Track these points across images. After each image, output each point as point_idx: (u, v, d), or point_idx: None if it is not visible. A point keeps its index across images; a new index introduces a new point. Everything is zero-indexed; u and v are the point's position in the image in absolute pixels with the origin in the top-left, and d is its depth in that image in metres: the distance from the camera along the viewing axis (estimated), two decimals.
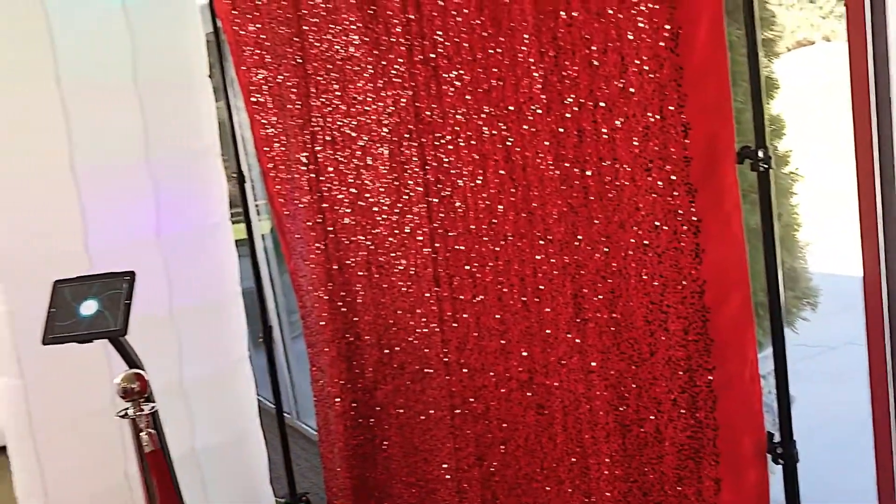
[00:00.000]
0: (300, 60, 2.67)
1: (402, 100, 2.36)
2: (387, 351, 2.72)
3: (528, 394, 2.24)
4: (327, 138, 2.68)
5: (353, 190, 2.66)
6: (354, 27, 2.44)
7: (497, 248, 2.21)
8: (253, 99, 2.92)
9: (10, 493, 2.93)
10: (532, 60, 1.94)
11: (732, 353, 1.75)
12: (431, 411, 2.59)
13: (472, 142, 2.18)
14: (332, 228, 2.77)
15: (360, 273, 2.72)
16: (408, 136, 2.37)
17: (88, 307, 2.16)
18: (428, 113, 2.29)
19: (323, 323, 2.89)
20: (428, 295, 2.46)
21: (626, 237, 1.85)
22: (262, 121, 2.92)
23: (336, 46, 2.53)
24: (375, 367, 2.78)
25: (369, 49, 2.41)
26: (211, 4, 2.99)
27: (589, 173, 1.89)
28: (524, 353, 2.22)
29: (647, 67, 1.70)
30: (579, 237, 1.96)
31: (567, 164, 1.93)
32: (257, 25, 2.78)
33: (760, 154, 1.63)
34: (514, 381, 2.27)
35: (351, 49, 2.48)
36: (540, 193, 2.03)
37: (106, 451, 2.87)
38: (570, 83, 1.87)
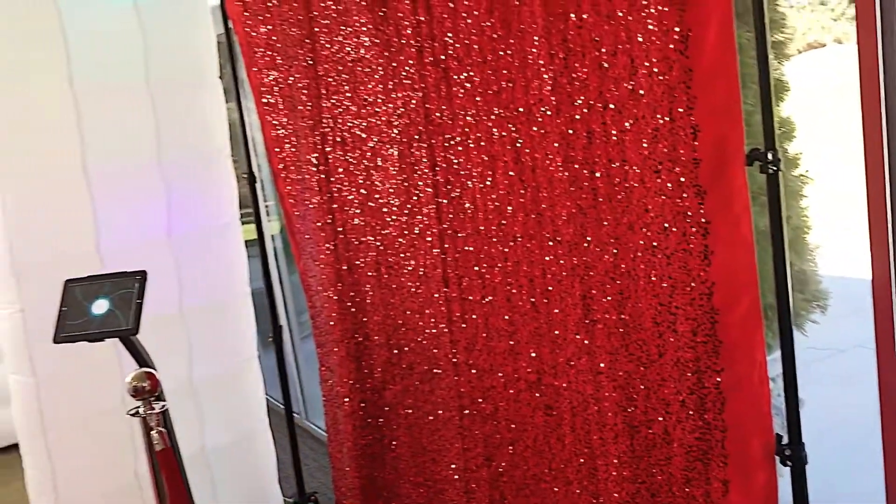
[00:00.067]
0: (311, 62, 2.68)
1: (412, 101, 2.37)
2: (396, 351, 2.72)
3: (537, 394, 2.25)
4: (338, 139, 2.69)
5: (362, 191, 2.67)
6: (365, 29, 2.45)
7: (506, 250, 2.22)
8: (264, 100, 2.93)
9: (22, 491, 2.95)
10: (542, 62, 1.95)
11: (741, 354, 1.75)
12: (440, 412, 2.59)
13: (482, 143, 2.19)
14: (341, 229, 2.78)
15: (370, 273, 2.73)
16: (418, 137, 2.38)
17: (100, 306, 2.18)
18: (438, 114, 2.30)
19: (332, 323, 2.90)
20: (437, 295, 2.47)
21: (635, 239, 1.86)
22: (273, 122, 2.93)
23: (347, 48, 2.54)
24: (384, 367, 2.79)
25: (380, 51, 2.42)
26: (222, 6, 3.00)
27: (598, 175, 1.89)
28: (533, 354, 2.22)
29: (656, 70, 1.70)
30: (588, 238, 1.97)
31: (576, 166, 1.94)
32: (269, 27, 2.79)
33: (770, 156, 1.63)
34: (523, 381, 2.28)
35: (361, 51, 2.49)
36: (549, 195, 2.04)
37: (116, 450, 2.89)
38: (579, 85, 1.88)
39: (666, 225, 1.78)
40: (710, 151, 1.68)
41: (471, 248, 2.33)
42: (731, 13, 1.61)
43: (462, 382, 2.47)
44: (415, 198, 2.47)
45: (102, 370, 2.78)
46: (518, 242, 2.17)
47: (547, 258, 2.10)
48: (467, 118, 2.21)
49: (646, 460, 1.98)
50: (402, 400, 2.76)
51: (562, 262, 2.06)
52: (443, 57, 2.22)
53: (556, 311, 2.12)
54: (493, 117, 2.14)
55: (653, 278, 1.83)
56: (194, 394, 3.11)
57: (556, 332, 2.14)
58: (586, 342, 2.04)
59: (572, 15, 1.84)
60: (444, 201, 2.37)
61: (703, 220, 1.72)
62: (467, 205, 2.30)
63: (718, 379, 1.78)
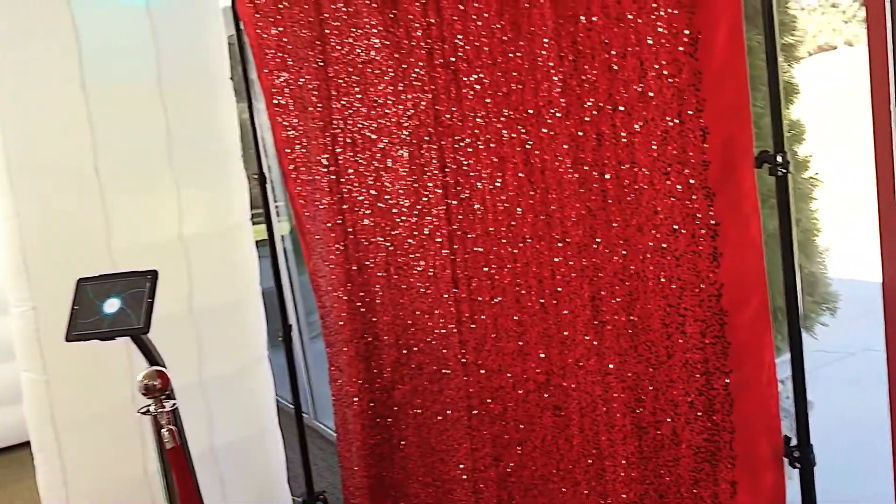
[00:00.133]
0: (322, 63, 2.69)
1: (422, 103, 2.38)
2: (405, 351, 2.73)
3: (545, 395, 2.25)
4: (348, 140, 2.70)
5: (372, 192, 2.68)
6: (375, 31, 2.46)
7: (515, 251, 2.22)
8: (275, 101, 2.94)
9: (33, 488, 2.97)
10: (552, 64, 1.95)
11: (749, 356, 1.76)
12: (449, 412, 2.60)
13: (492, 145, 2.20)
14: (351, 230, 2.79)
15: (379, 274, 2.74)
16: (427, 138, 2.39)
17: (111, 305, 2.19)
18: (448, 116, 2.31)
19: (342, 323, 2.91)
20: (446, 296, 2.48)
21: (644, 240, 1.86)
22: (284, 123, 2.94)
23: (357, 50, 2.55)
24: (393, 367, 2.80)
25: (390, 52, 2.43)
26: (233, 7, 3.02)
27: (607, 177, 1.90)
28: (542, 355, 2.23)
29: (666, 72, 1.71)
30: (597, 240, 1.97)
31: (586, 168, 1.95)
32: (280, 29, 2.80)
33: (779, 158, 1.63)
34: (532, 382, 2.28)
35: (372, 52, 2.50)
36: (558, 196, 2.04)
37: (126, 447, 2.91)
38: (589, 87, 1.88)
39: (675, 227, 1.78)
40: (720, 154, 1.69)
41: (480, 249, 2.33)
42: (741, 16, 1.62)
43: (471, 383, 2.48)
44: (424, 199, 2.48)
45: (113, 368, 2.80)
46: (527, 243, 2.18)
47: (556, 259, 2.11)
48: (477, 120, 2.22)
49: (654, 461, 1.98)
50: (410, 400, 2.77)
51: (571, 263, 2.06)
52: (453, 59, 2.23)
53: (565, 312, 2.12)
54: (502, 119, 2.15)
55: (662, 280, 1.84)
56: (204, 393, 3.13)
57: (565, 333, 2.14)
58: (595, 343, 2.05)
59: (582, 17, 1.85)
60: (454, 202, 2.38)
61: (712, 221, 1.72)
62: (477, 206, 2.31)
63: (727, 380, 1.78)
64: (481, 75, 2.17)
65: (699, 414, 1.84)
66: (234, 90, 3.27)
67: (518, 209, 2.17)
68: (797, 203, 2.77)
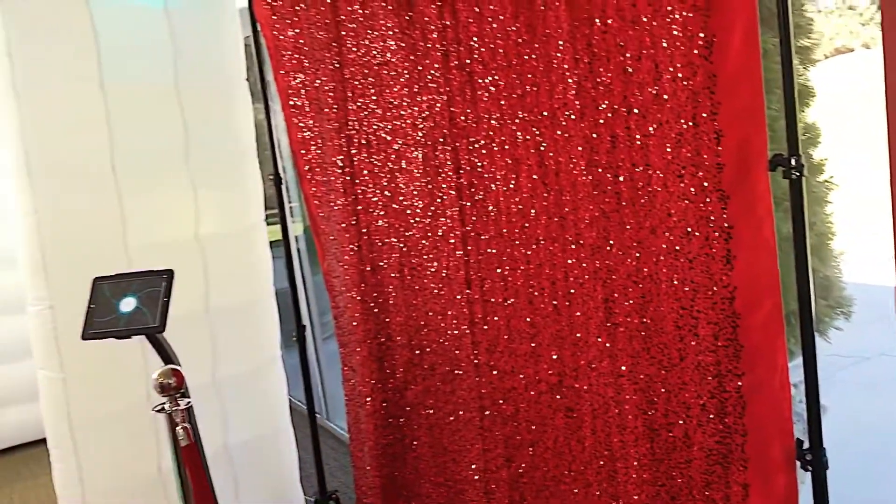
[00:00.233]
0: (338, 65, 2.71)
1: (437, 104, 2.39)
2: (418, 352, 2.74)
3: (558, 397, 2.25)
4: (363, 142, 2.72)
5: (387, 193, 2.69)
6: (391, 33, 2.47)
7: (529, 252, 2.23)
8: (291, 102, 2.96)
9: (49, 485, 3.00)
10: (566, 67, 1.96)
11: (762, 359, 1.76)
12: (461, 412, 2.61)
13: (506, 146, 2.21)
14: (365, 230, 2.81)
15: (393, 275, 2.75)
16: (442, 140, 2.40)
17: (127, 304, 2.21)
18: (462, 118, 2.32)
19: (355, 323, 2.92)
20: (459, 297, 2.48)
21: (657, 243, 1.86)
22: (300, 124, 2.96)
23: (373, 51, 2.57)
24: (406, 367, 2.81)
25: (406, 54, 2.44)
26: (250, 9, 3.04)
27: (621, 179, 1.90)
28: (554, 357, 2.23)
29: (680, 75, 1.71)
30: (611, 242, 1.98)
31: (600, 170, 1.95)
32: (296, 30, 2.82)
33: (793, 161, 1.63)
34: (544, 383, 2.29)
35: (388, 54, 2.51)
36: (572, 198, 2.05)
37: (141, 445, 2.93)
38: (604, 89, 1.89)
39: (689, 229, 1.78)
40: (734, 156, 1.69)
41: (493, 251, 2.34)
42: (756, 19, 1.62)
43: (483, 384, 2.48)
44: (438, 200, 2.49)
45: (129, 367, 2.83)
46: (541, 245, 2.19)
47: (569, 261, 2.11)
48: (492, 122, 2.23)
49: (666, 463, 1.98)
50: (423, 400, 2.78)
51: (584, 265, 2.07)
52: (468, 61, 2.24)
53: (578, 313, 2.13)
54: (517, 121, 2.15)
55: (675, 282, 1.84)
56: (218, 392, 3.15)
57: (578, 335, 2.14)
58: (608, 345, 2.05)
59: (597, 20, 1.86)
60: (468, 204, 2.38)
61: (725, 224, 1.72)
62: (490, 207, 2.31)
63: (739, 383, 1.78)
64: (496, 77, 2.18)
65: (711, 416, 1.84)
66: (251, 91, 3.29)
67: (532, 211, 2.18)
68: (812, 206, 2.76)
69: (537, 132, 2.10)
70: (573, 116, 1.97)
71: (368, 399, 2.92)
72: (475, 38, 2.20)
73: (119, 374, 2.85)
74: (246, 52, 3.25)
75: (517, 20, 2.07)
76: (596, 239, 2.01)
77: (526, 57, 2.07)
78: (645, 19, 1.75)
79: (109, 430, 2.89)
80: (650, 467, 2.02)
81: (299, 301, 3.40)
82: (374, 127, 2.66)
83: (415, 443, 2.86)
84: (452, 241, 2.46)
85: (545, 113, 2.06)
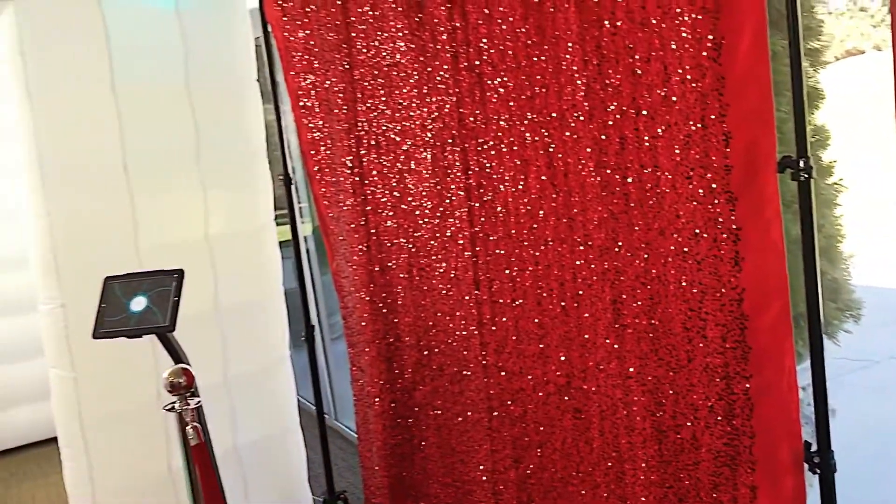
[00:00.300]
0: (347, 66, 2.72)
1: (446, 106, 2.39)
2: (426, 352, 2.75)
3: (566, 398, 2.26)
4: (372, 143, 2.73)
5: (396, 193, 2.70)
6: (401, 34, 2.48)
7: (537, 253, 2.23)
8: (301, 103, 2.97)
9: (60, 483, 3.02)
10: (575, 68, 1.96)
11: (770, 361, 1.75)
12: (469, 413, 2.61)
13: (515, 147, 2.21)
14: (374, 231, 2.82)
15: (402, 275, 2.76)
16: (451, 141, 2.41)
17: (138, 303, 2.22)
18: (471, 119, 2.32)
19: (364, 323, 2.93)
20: (468, 298, 2.49)
21: (665, 244, 1.86)
22: (309, 125, 2.97)
23: (383, 53, 2.58)
24: (415, 368, 2.81)
25: (415, 56, 2.45)
26: (261, 10, 3.05)
27: (630, 180, 1.91)
28: (562, 358, 2.24)
29: (689, 77, 1.71)
30: (619, 243, 1.98)
31: (608, 171, 1.95)
32: (307, 31, 2.83)
33: (801, 163, 1.63)
34: (552, 384, 2.29)
35: (397, 56, 2.52)
36: (581, 199, 2.05)
37: (151, 444, 2.95)
38: (612, 91, 1.89)
39: (697, 231, 1.78)
40: (742, 158, 1.69)
41: (502, 252, 2.34)
42: (765, 21, 1.62)
43: (491, 384, 2.49)
44: (447, 201, 2.49)
45: (139, 366, 2.84)
46: (549, 246, 2.19)
47: (578, 262, 2.11)
48: (500, 123, 2.23)
49: (673, 465, 1.98)
50: (431, 401, 2.78)
51: (592, 266, 2.07)
52: (477, 62, 2.25)
53: (587, 315, 2.13)
54: (526, 122, 2.16)
55: (683, 284, 1.84)
56: (227, 391, 3.16)
57: (586, 336, 2.15)
58: (616, 346, 2.05)
59: (606, 22, 1.86)
60: (476, 205, 2.39)
61: (734, 226, 1.72)
62: (499, 208, 2.32)
63: (747, 385, 1.78)
64: (505, 79, 2.18)
65: (719, 418, 1.84)
66: (261, 92, 3.30)
67: (540, 212, 2.18)
68: (820, 208, 2.75)
69: (546, 133, 2.11)
70: (582, 118, 1.98)
71: (377, 399, 2.93)
72: (485, 40, 2.20)
73: (130, 374, 2.86)
74: (256, 53, 3.27)
75: (526, 22, 2.07)
76: (604, 240, 2.01)
77: (535, 58, 2.08)
78: (654, 21, 1.76)
79: (120, 429, 2.91)
80: (658, 469, 2.02)
81: (308, 301, 3.41)
82: (384, 128, 2.67)
83: (423, 443, 2.87)
84: (461, 241, 2.47)
85: (554, 114, 2.07)
